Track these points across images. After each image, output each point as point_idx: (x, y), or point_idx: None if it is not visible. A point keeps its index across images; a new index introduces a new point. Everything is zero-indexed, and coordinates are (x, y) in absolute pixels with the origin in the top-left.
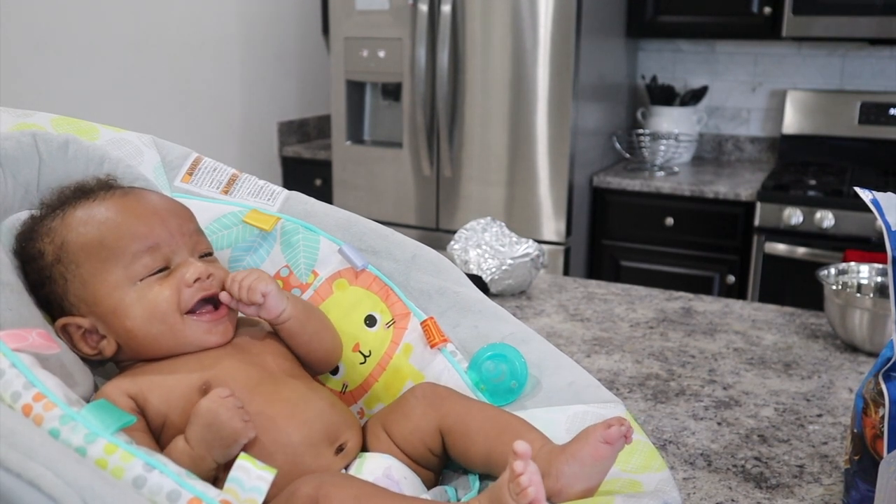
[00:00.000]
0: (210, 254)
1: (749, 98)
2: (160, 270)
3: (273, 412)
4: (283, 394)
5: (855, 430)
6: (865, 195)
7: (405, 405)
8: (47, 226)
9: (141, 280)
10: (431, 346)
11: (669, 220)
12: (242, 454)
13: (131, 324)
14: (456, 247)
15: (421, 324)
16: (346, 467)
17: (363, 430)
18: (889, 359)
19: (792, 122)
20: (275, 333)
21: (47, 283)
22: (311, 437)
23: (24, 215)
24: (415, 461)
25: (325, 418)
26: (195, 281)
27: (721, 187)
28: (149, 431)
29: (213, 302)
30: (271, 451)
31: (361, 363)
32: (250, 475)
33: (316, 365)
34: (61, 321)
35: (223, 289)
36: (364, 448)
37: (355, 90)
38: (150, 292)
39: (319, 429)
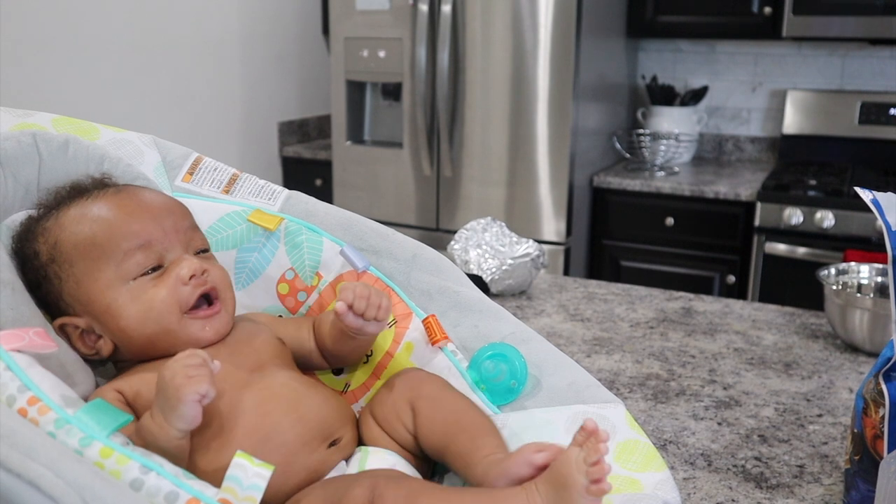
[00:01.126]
0: (206, 250)
1: (749, 98)
2: (154, 269)
3: (268, 409)
4: (277, 390)
5: (855, 430)
6: (866, 195)
7: (388, 384)
8: (42, 226)
9: (134, 279)
10: (432, 343)
11: (670, 220)
12: (239, 452)
13: (125, 323)
14: (456, 247)
15: (422, 321)
16: (347, 461)
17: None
18: (889, 359)
19: (792, 122)
20: (267, 330)
21: (43, 283)
22: (304, 435)
23: (23, 216)
24: (401, 446)
25: (320, 414)
26: (190, 278)
27: (721, 187)
28: None
29: (206, 298)
30: (267, 449)
31: (363, 363)
32: (247, 473)
33: (336, 363)
34: (58, 321)
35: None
36: (360, 438)
37: (355, 90)
38: (145, 293)
39: (314, 426)
